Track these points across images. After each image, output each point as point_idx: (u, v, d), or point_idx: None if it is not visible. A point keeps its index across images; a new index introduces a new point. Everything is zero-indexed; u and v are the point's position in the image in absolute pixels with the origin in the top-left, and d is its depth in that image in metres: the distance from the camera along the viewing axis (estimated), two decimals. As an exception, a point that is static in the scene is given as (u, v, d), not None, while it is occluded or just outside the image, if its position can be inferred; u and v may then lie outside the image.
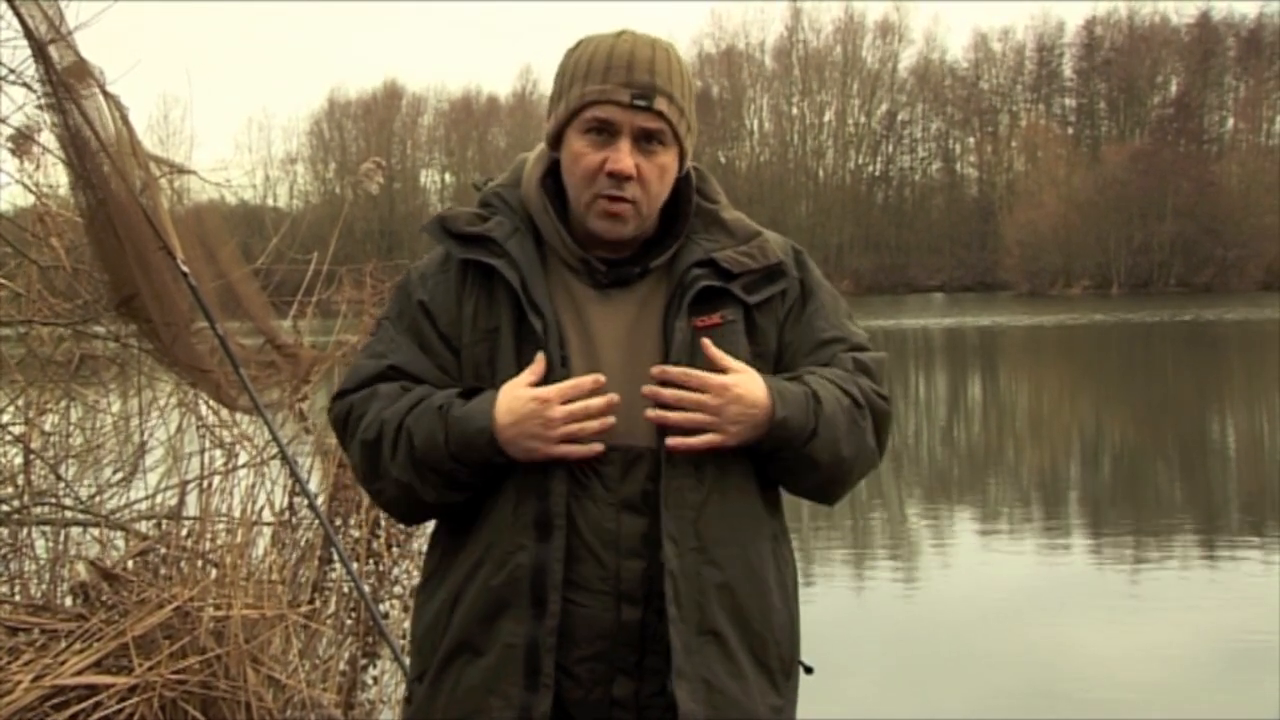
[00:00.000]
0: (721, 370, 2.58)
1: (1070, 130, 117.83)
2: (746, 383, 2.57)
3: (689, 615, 2.55)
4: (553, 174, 2.72)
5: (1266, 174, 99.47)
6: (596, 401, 2.53)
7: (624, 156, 2.59)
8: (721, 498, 2.60)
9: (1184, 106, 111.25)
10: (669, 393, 2.55)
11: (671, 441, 2.55)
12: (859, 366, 2.75)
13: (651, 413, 2.55)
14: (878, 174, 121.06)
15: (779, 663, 2.68)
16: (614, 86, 2.58)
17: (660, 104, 2.60)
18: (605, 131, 2.61)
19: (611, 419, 2.54)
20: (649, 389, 2.55)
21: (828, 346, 2.75)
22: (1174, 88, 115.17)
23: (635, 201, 2.62)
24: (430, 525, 2.83)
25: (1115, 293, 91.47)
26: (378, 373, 2.70)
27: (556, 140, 2.70)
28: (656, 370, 2.56)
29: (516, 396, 2.54)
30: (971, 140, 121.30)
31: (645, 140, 2.61)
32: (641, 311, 2.67)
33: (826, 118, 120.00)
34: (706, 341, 2.59)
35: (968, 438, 22.83)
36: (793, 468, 2.65)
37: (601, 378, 2.55)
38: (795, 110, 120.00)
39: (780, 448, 2.60)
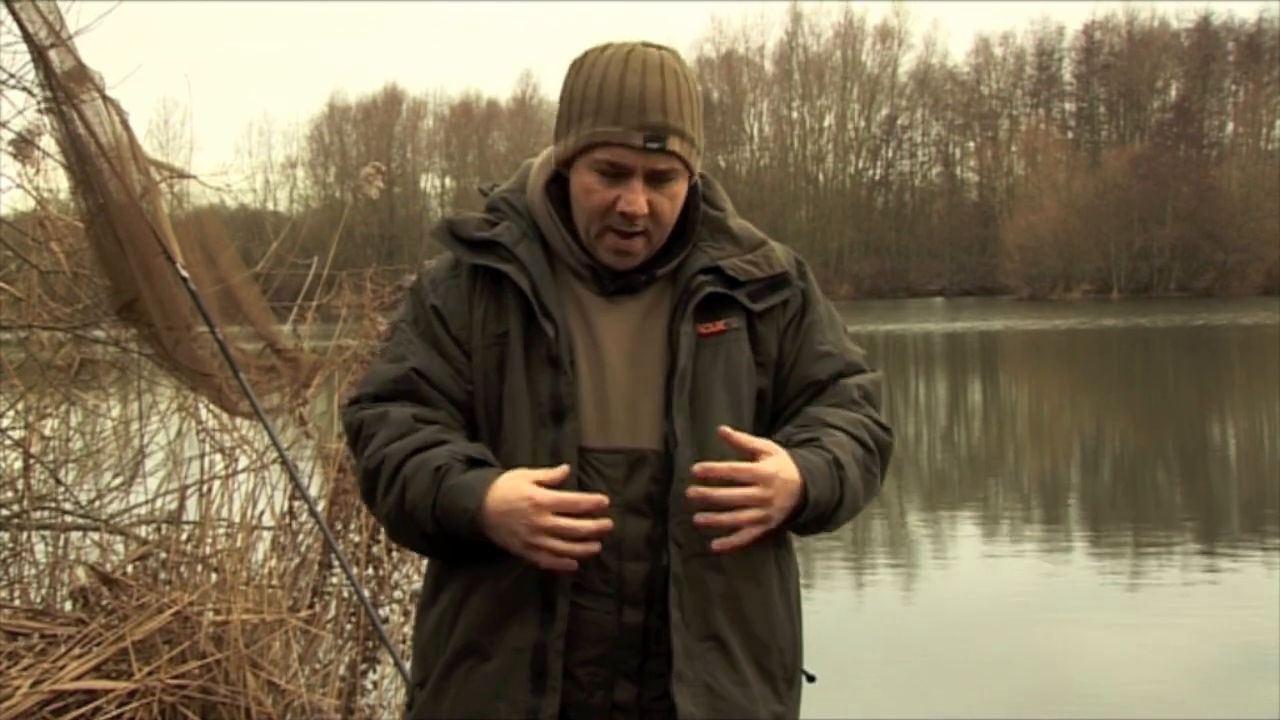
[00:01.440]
0: (748, 453, 2.51)
1: (1070, 135, 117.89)
2: (784, 465, 2.51)
3: (692, 620, 2.54)
4: (557, 180, 2.71)
5: (1266, 178, 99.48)
6: (585, 525, 2.46)
7: (638, 197, 2.56)
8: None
9: (1184, 111, 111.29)
10: (723, 494, 2.47)
11: (718, 544, 2.48)
12: (864, 395, 2.74)
13: (701, 518, 2.47)
14: (878, 178, 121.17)
15: (782, 670, 2.67)
16: (626, 129, 2.53)
17: (674, 144, 2.56)
18: (617, 174, 2.58)
19: (597, 546, 2.47)
20: (696, 492, 2.47)
21: (825, 360, 2.74)
22: (1174, 92, 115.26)
23: (647, 232, 2.61)
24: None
25: (1115, 297, 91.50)
26: (398, 376, 2.67)
27: (566, 163, 2.67)
28: (699, 469, 2.47)
29: (515, 488, 2.48)
30: (971, 145, 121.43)
31: (658, 178, 2.59)
32: (647, 317, 2.66)
33: (826, 122, 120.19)
34: (728, 431, 2.51)
35: (968, 443, 22.83)
36: (809, 529, 2.64)
37: (604, 501, 2.48)
38: (795, 115, 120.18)
39: (809, 521, 2.58)
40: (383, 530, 7.00)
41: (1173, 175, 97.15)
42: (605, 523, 2.47)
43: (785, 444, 2.58)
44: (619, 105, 2.54)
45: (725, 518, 2.47)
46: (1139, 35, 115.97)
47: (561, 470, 2.50)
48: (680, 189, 2.63)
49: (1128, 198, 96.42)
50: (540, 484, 2.48)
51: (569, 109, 2.61)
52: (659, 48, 2.62)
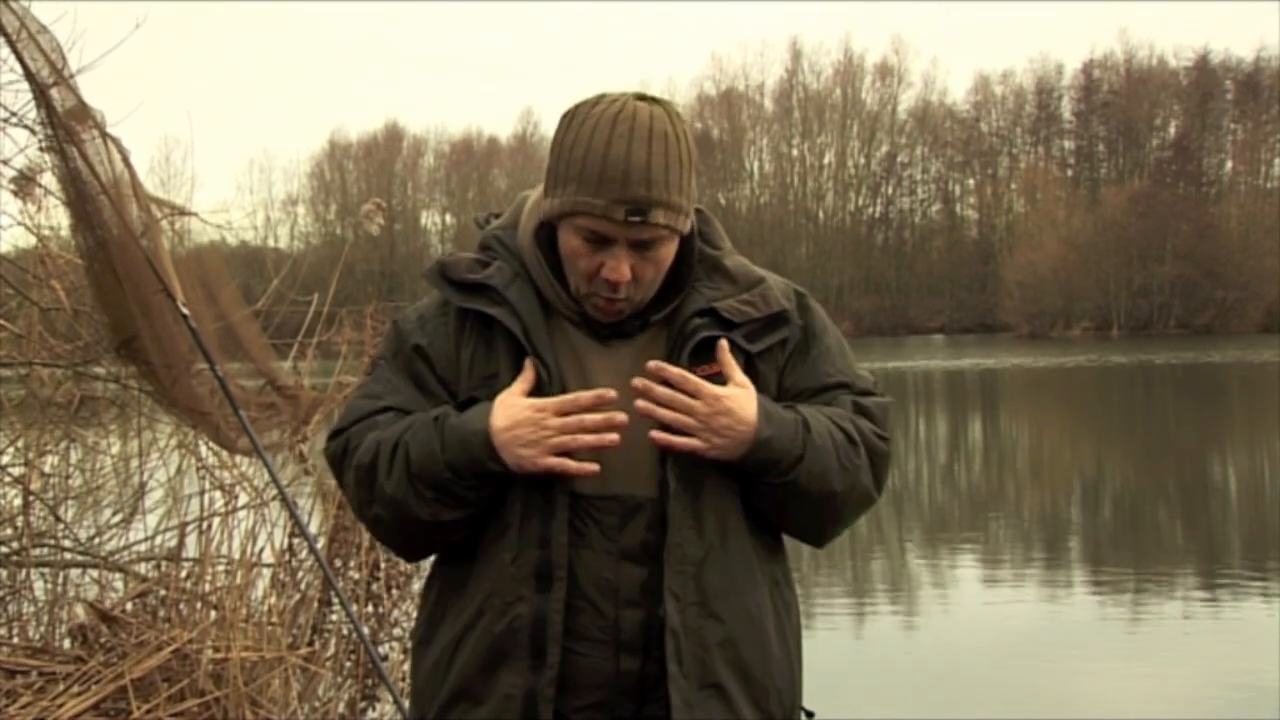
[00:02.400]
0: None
1: (1069, 172, 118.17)
2: (740, 398, 2.56)
3: (691, 671, 2.54)
4: (547, 226, 2.67)
5: (1265, 216, 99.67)
6: (593, 417, 2.51)
7: (620, 266, 2.55)
8: (722, 550, 2.59)
9: (1182, 149, 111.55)
10: (662, 390, 2.53)
11: (654, 434, 2.53)
12: (859, 409, 2.72)
13: (641, 403, 2.53)
14: (878, 216, 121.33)
15: (780, 710, 2.66)
16: (608, 203, 2.49)
17: (656, 217, 2.53)
18: (600, 240, 2.55)
19: (614, 436, 2.51)
20: (641, 381, 2.53)
21: (832, 391, 2.73)
22: (1172, 130, 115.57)
23: (630, 298, 2.60)
24: (427, 567, 2.82)
25: (1115, 335, 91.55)
26: (374, 411, 2.68)
27: (552, 219, 2.65)
28: (653, 365, 2.54)
29: (513, 404, 2.53)
30: (971, 182, 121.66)
31: (642, 245, 2.57)
32: (640, 360, 2.63)
33: (826, 159, 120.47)
34: (723, 343, 2.59)
35: (969, 480, 22.79)
36: (780, 497, 2.62)
37: (610, 392, 2.53)
38: (795, 152, 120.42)
39: (765, 470, 2.58)
40: (385, 558, 7.03)
41: (1172, 213, 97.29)
42: (615, 415, 2.52)
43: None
44: (600, 177, 2.50)
45: (661, 411, 2.53)
46: (1138, 73, 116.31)
47: (529, 370, 2.57)
48: (667, 251, 2.61)
49: (1127, 235, 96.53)
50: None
51: (555, 168, 2.59)
52: (652, 102, 2.58)
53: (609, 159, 2.50)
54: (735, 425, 2.54)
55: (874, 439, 2.70)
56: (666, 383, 2.55)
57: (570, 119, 2.58)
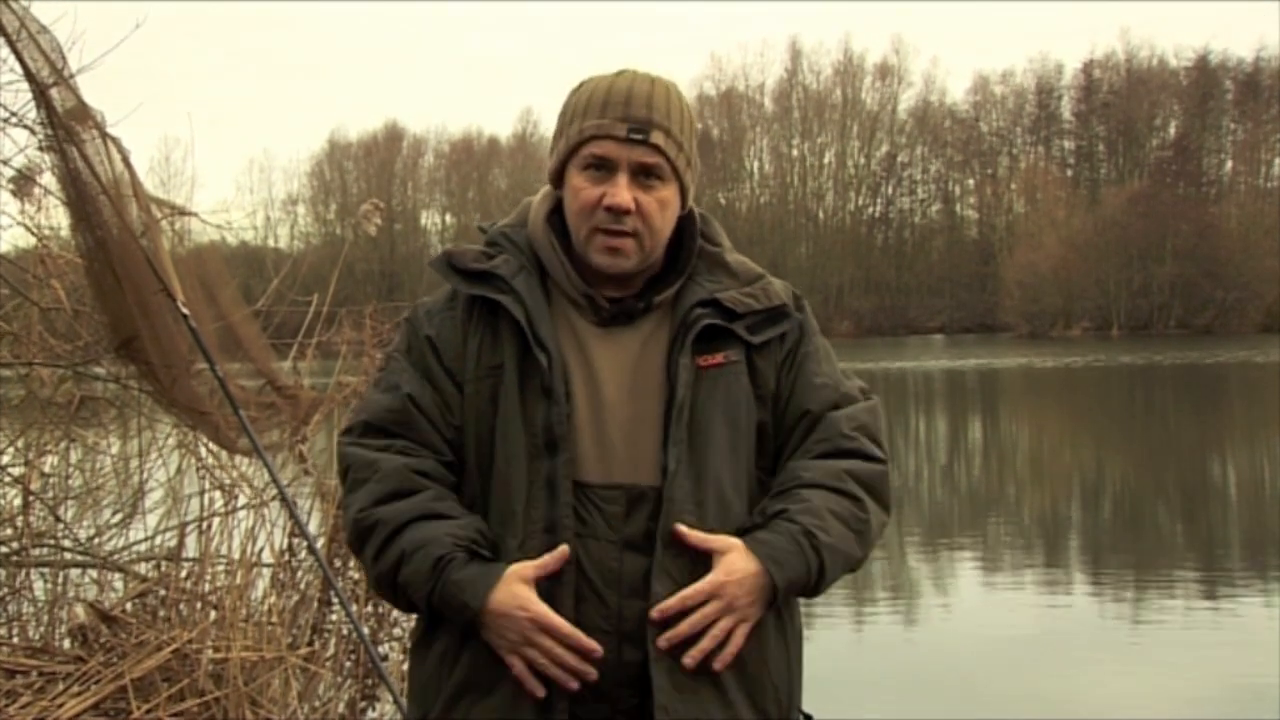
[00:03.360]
0: (704, 552, 2.56)
1: (1069, 172, 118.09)
2: (737, 563, 2.55)
3: (682, 655, 2.54)
4: (558, 211, 2.74)
5: (1265, 217, 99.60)
6: (570, 659, 2.50)
7: (621, 190, 2.60)
8: (721, 534, 2.59)
9: (1182, 149, 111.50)
10: (686, 627, 2.52)
11: (718, 662, 2.54)
12: (856, 427, 2.74)
13: (689, 657, 2.52)
14: (877, 215, 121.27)
15: (776, 708, 2.66)
16: (611, 121, 2.61)
17: (657, 138, 2.62)
18: (603, 168, 2.62)
19: (575, 685, 2.51)
20: (665, 640, 2.52)
21: (820, 391, 2.74)
22: (1172, 130, 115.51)
23: (636, 234, 2.63)
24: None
25: (1115, 335, 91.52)
26: (393, 405, 2.68)
27: (559, 178, 2.72)
28: (656, 614, 2.52)
29: (516, 596, 2.51)
30: (971, 182, 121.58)
31: (644, 175, 2.63)
32: (645, 349, 2.67)
33: (826, 159, 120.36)
34: (683, 530, 2.55)
35: (969, 480, 22.80)
36: (812, 595, 2.68)
37: (598, 650, 2.51)
38: (795, 152, 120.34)
39: (800, 594, 2.64)
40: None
41: (1172, 213, 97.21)
42: (588, 670, 2.51)
43: (760, 515, 2.62)
44: (605, 103, 2.63)
45: (707, 642, 2.52)
46: (1138, 73, 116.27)
47: (560, 554, 2.53)
48: (668, 196, 2.66)
49: (1127, 235, 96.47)
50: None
51: (560, 123, 2.71)
52: (653, 73, 2.72)
53: (612, 89, 2.66)
54: (751, 587, 2.55)
55: (871, 471, 2.72)
56: (676, 615, 2.53)
57: (575, 88, 2.73)
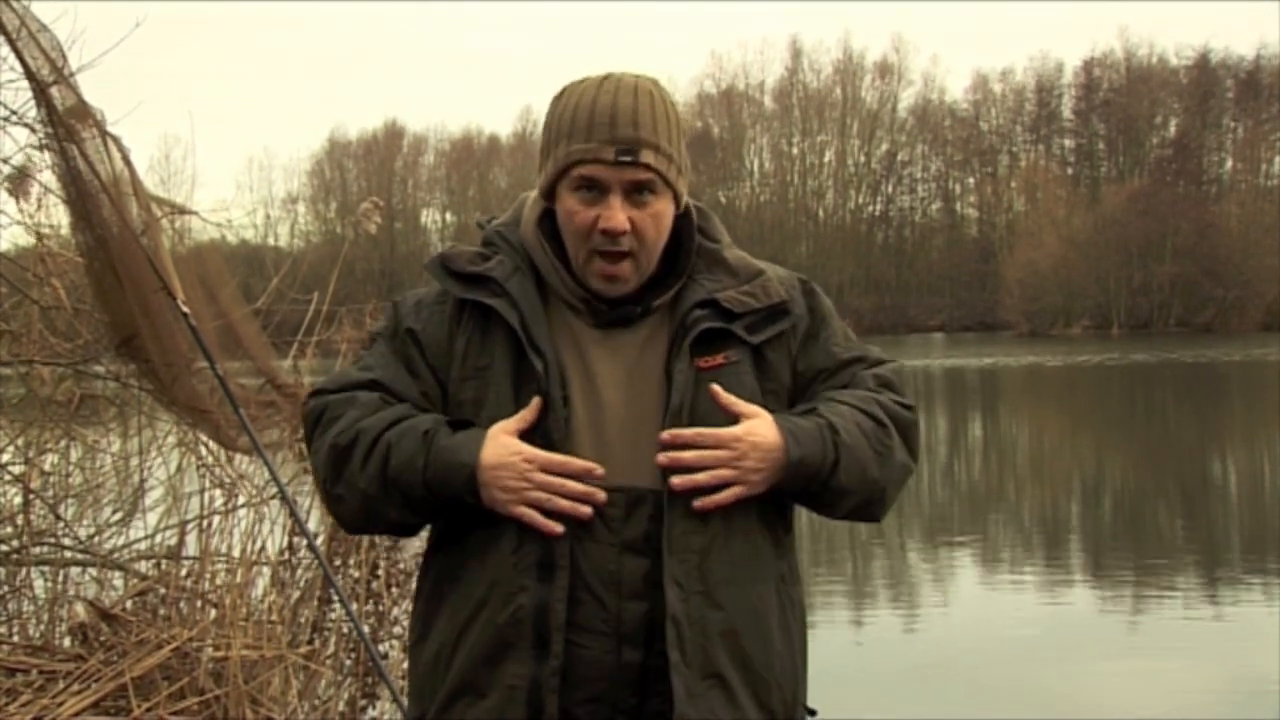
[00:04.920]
0: (732, 416, 2.57)
1: (1070, 171, 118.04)
2: (759, 428, 2.57)
3: (693, 660, 2.53)
4: (549, 216, 2.71)
5: (1265, 215, 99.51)
6: (574, 485, 2.51)
7: (616, 213, 2.58)
8: (726, 540, 2.58)
9: (1183, 147, 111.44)
10: (690, 455, 2.53)
11: (699, 502, 2.53)
12: (880, 381, 2.74)
13: (678, 479, 2.53)
14: (878, 214, 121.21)
15: (782, 706, 2.65)
16: (598, 144, 2.57)
17: (646, 156, 2.58)
18: (595, 189, 2.60)
19: (588, 510, 2.51)
20: (666, 456, 2.53)
21: (849, 367, 2.75)
22: (1173, 129, 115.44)
23: (633, 254, 2.61)
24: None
25: (1115, 333, 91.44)
26: (359, 381, 2.69)
27: (549, 193, 2.69)
28: (667, 435, 2.54)
29: (505, 444, 2.53)
30: (971, 180, 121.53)
31: (636, 192, 2.60)
32: (643, 352, 2.66)
33: (826, 158, 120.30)
34: (715, 387, 2.58)
35: (969, 478, 22.80)
36: (825, 499, 2.65)
37: (598, 469, 2.53)
38: (795, 150, 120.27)
39: (805, 484, 2.61)
40: (384, 556, 7.03)
41: (1172, 211, 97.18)
42: (596, 491, 2.52)
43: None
44: (590, 124, 2.58)
45: (701, 476, 2.53)
46: (1138, 72, 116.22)
47: (534, 407, 2.55)
48: (662, 208, 2.64)
49: (1127, 234, 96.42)
50: (524, 433, 2.55)
51: (546, 139, 2.67)
52: (636, 76, 2.67)
53: (596, 108, 2.59)
54: (767, 454, 2.56)
55: (900, 411, 2.72)
56: (685, 445, 2.54)
57: (557, 98, 2.68)
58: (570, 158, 2.59)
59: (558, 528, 2.50)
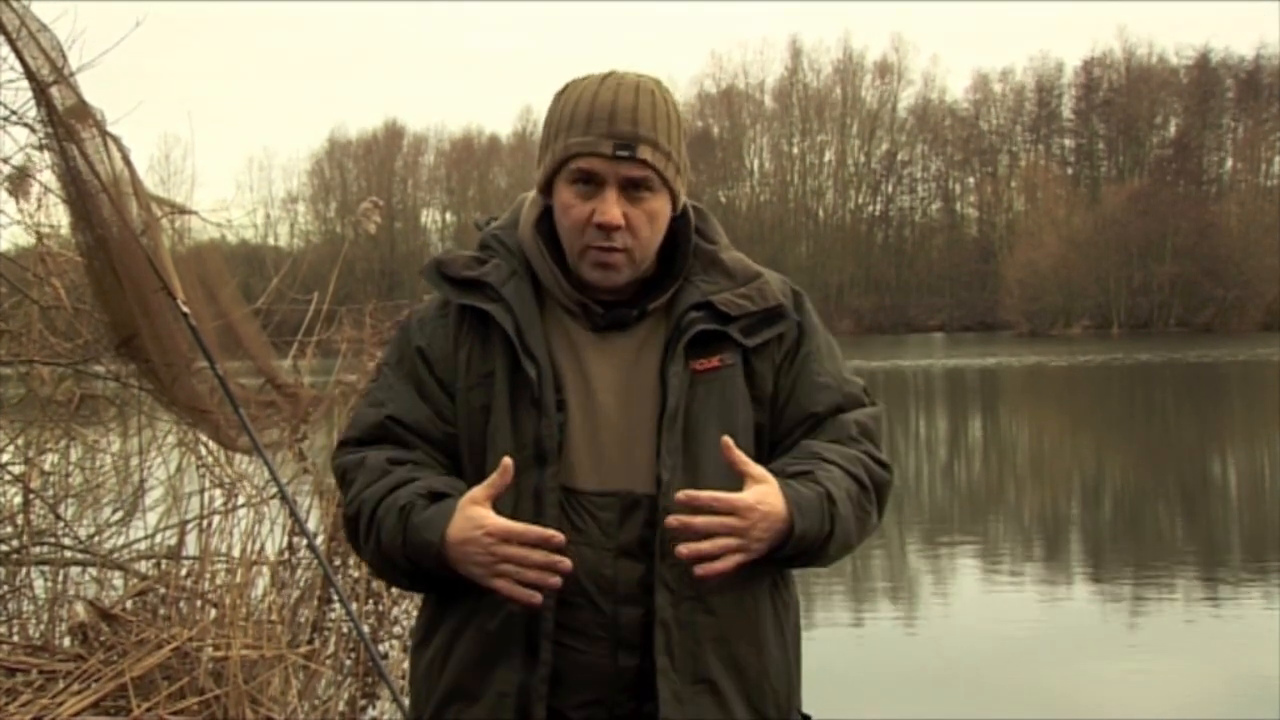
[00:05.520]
0: (740, 474, 2.51)
1: (1070, 170, 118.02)
2: (769, 497, 2.49)
3: (682, 665, 2.53)
4: (547, 216, 2.70)
5: (1265, 215, 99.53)
6: (535, 555, 2.44)
7: (611, 207, 2.57)
8: None
9: (1183, 147, 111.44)
10: (700, 521, 2.45)
11: (700, 569, 2.46)
12: (863, 432, 2.72)
13: (684, 548, 2.45)
14: (878, 214, 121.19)
15: (776, 711, 2.65)
16: (596, 138, 2.56)
17: (644, 152, 2.57)
18: (591, 182, 2.59)
19: (556, 580, 2.45)
20: (676, 519, 2.45)
21: (823, 393, 2.72)
22: (1173, 128, 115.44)
23: (627, 249, 2.60)
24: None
25: (1115, 333, 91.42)
26: (376, 423, 2.68)
27: (547, 188, 2.68)
28: (683, 496, 2.45)
29: (470, 518, 2.47)
30: (971, 180, 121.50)
31: (632, 188, 2.59)
32: (639, 355, 2.65)
33: (826, 157, 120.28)
34: (729, 443, 2.50)
35: (969, 479, 22.81)
36: (799, 561, 2.63)
37: (558, 536, 2.45)
38: (795, 150, 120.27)
39: (797, 554, 2.56)
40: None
41: (1172, 211, 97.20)
42: (561, 560, 2.45)
43: (779, 474, 2.56)
44: (589, 118, 2.58)
45: (706, 545, 2.44)
46: (1138, 72, 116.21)
47: (501, 472, 2.48)
48: (659, 207, 2.62)
49: (1127, 234, 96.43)
50: (493, 505, 2.49)
51: (546, 134, 2.66)
52: (639, 75, 2.66)
53: (596, 103, 2.59)
54: (771, 526, 2.49)
55: (879, 472, 2.70)
56: (698, 509, 2.47)
57: (559, 95, 2.67)
58: (568, 151, 2.59)
59: (535, 597, 2.46)
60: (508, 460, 2.49)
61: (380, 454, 2.65)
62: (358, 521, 2.62)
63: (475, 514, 2.47)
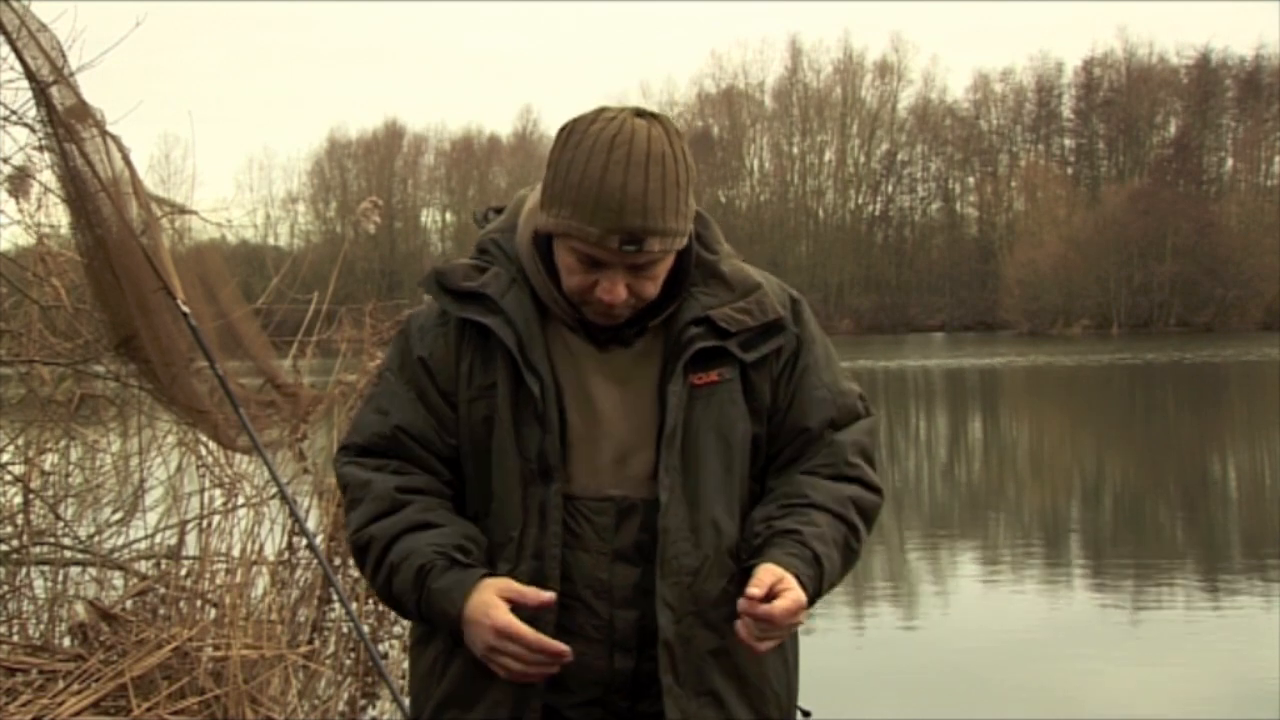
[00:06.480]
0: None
1: (1070, 170, 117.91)
2: (800, 593, 2.50)
3: (686, 680, 2.55)
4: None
5: (1265, 214, 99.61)
6: (530, 658, 2.45)
7: (616, 288, 2.52)
8: (718, 559, 2.59)
9: (1183, 147, 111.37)
10: (766, 646, 2.50)
11: (764, 647, 2.49)
12: (860, 452, 2.73)
13: (744, 633, 2.46)
14: (878, 214, 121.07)
15: (778, 712, 2.67)
16: (602, 233, 2.46)
17: (652, 245, 2.49)
18: (595, 263, 2.53)
19: (553, 669, 2.48)
20: (746, 630, 2.46)
21: (819, 406, 2.71)
22: (1173, 128, 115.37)
23: (630, 306, 2.58)
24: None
25: (1115, 333, 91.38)
26: (381, 432, 2.67)
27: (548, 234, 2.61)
28: (753, 593, 2.45)
29: (484, 604, 2.47)
30: (971, 180, 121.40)
31: (638, 268, 2.54)
32: (639, 367, 2.64)
33: (826, 157, 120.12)
34: (753, 593, 2.46)
35: (969, 479, 22.80)
36: None
37: (560, 647, 2.44)
38: (795, 150, 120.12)
39: None
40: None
41: (1172, 211, 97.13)
42: (552, 667, 2.47)
43: (766, 527, 2.59)
44: (596, 205, 2.45)
45: (762, 647, 2.49)
46: (1138, 71, 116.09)
47: (545, 598, 2.48)
48: (663, 268, 2.58)
49: (1127, 233, 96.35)
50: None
51: (551, 185, 2.53)
52: (650, 119, 2.53)
53: (604, 186, 2.45)
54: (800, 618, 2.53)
55: (869, 500, 2.72)
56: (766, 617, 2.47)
57: (568, 136, 2.53)
58: (571, 232, 2.50)
59: (525, 679, 2.49)
60: (551, 595, 2.50)
61: (387, 481, 2.63)
62: (366, 554, 2.63)
63: (489, 604, 2.47)
